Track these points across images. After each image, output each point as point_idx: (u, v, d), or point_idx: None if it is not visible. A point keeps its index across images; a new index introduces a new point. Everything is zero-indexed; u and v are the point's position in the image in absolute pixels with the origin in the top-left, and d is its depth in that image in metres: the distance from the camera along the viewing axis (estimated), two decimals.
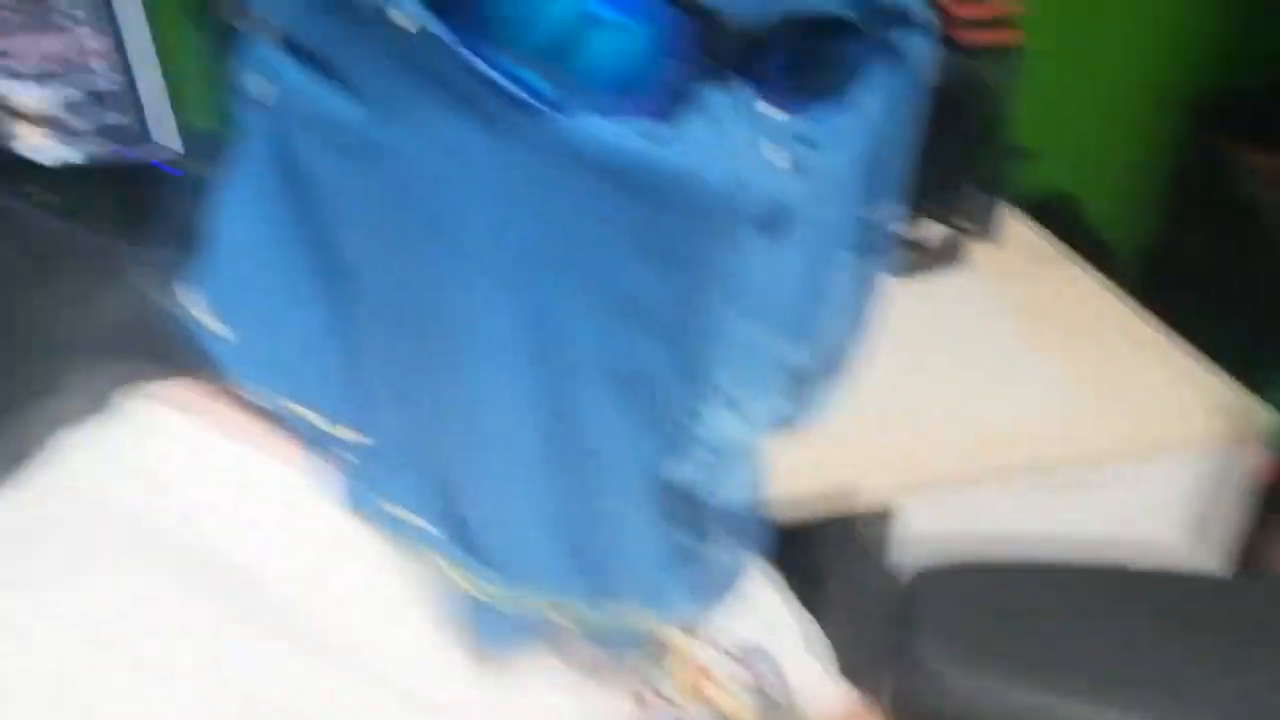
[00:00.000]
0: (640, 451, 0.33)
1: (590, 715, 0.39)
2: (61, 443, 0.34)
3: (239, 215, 0.34)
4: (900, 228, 1.26)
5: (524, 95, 0.28)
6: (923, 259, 1.26)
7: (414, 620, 0.35)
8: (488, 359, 0.31)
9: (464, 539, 0.34)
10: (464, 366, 0.31)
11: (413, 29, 0.28)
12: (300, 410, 0.34)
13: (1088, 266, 1.32)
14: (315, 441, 0.35)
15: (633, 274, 0.30)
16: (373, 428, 0.34)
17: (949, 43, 1.31)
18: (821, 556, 1.29)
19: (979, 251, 1.31)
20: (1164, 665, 0.27)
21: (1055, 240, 1.38)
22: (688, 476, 0.33)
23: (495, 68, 0.28)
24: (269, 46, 0.33)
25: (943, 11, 1.30)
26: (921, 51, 0.35)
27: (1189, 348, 1.14)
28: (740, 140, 0.30)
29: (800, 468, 0.96)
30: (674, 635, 0.39)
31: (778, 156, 0.30)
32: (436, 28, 0.28)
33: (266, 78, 0.33)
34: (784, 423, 0.38)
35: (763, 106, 0.30)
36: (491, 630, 0.35)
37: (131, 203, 1.07)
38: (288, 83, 0.32)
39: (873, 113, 0.35)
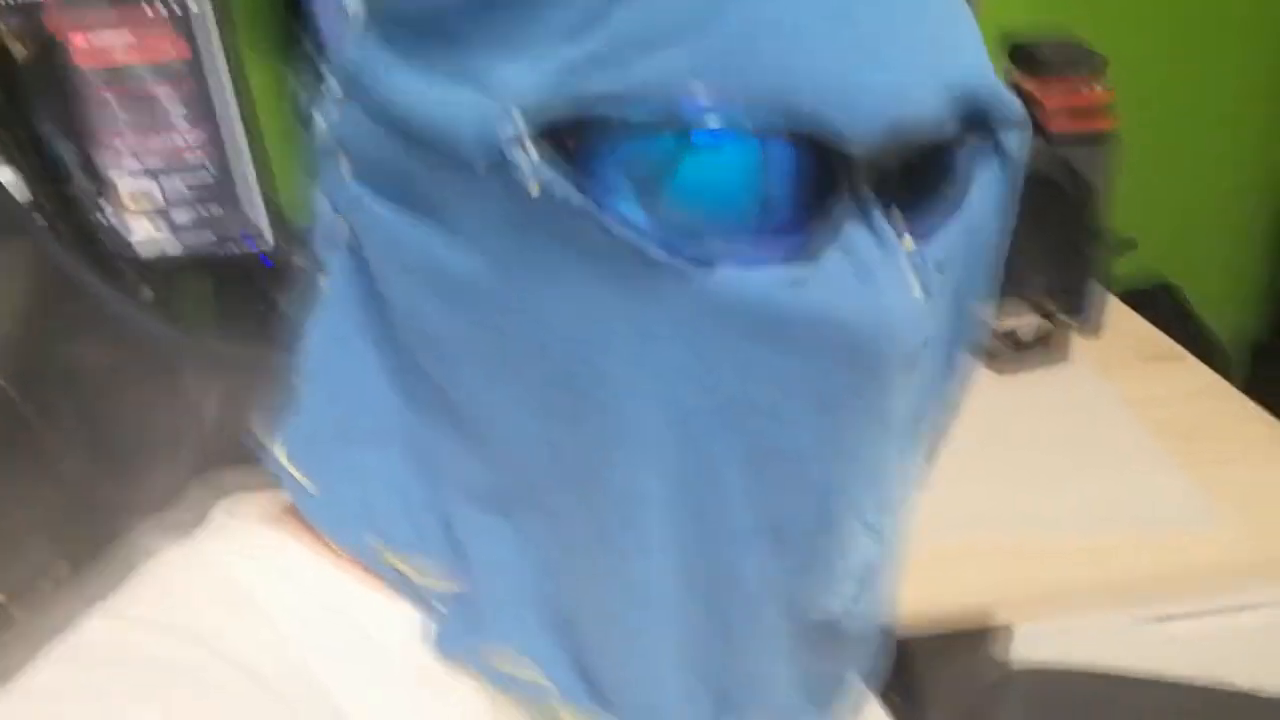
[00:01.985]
0: (790, 596, 0.32)
1: None
2: (158, 557, 0.34)
3: (324, 353, 0.33)
4: (1001, 322, 1.24)
5: (663, 255, 0.27)
6: (1024, 353, 1.21)
7: None
8: (637, 511, 0.30)
9: (593, 690, 0.32)
10: (609, 516, 0.30)
11: (535, 192, 0.27)
12: (388, 558, 0.33)
13: (1195, 359, 1.26)
14: (406, 590, 0.34)
15: (784, 425, 0.29)
16: (480, 573, 0.33)
17: (1042, 132, 1.29)
18: (931, 677, 1.24)
19: (1083, 346, 1.26)
20: None
21: (1159, 332, 1.32)
22: (832, 609, 0.33)
23: (626, 224, 0.27)
24: (343, 175, 0.32)
25: (1036, 101, 1.28)
26: (1021, 150, 0.34)
27: None
28: (887, 278, 0.28)
29: (919, 583, 0.92)
30: None
31: (916, 287, 0.29)
32: (566, 189, 0.27)
33: (341, 209, 0.32)
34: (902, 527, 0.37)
35: (896, 233, 0.29)
36: None
37: (229, 295, 1.09)
38: (370, 219, 0.31)
39: (982, 218, 0.34)
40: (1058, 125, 1.29)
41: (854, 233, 0.28)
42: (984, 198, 0.34)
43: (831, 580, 0.32)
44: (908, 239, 0.29)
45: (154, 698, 0.29)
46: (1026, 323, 1.21)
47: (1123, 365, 1.24)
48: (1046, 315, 1.23)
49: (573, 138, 0.27)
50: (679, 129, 0.27)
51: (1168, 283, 1.63)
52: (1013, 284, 1.34)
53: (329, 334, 0.33)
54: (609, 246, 0.27)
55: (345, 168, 0.32)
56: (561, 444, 0.30)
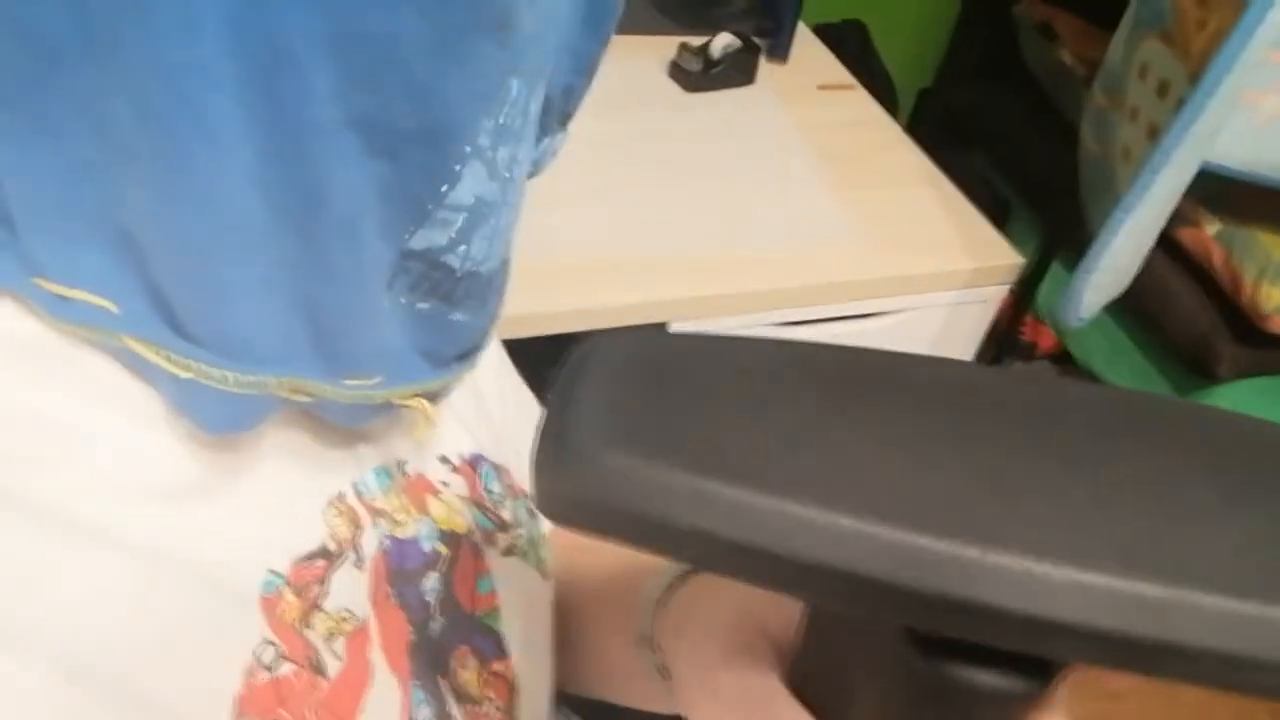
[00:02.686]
0: (387, 215, 0.29)
1: (308, 520, 0.36)
2: None
3: None
4: (699, 39, 1.26)
5: None
6: (714, 75, 1.24)
7: (115, 414, 0.30)
8: (203, 113, 0.25)
9: (167, 318, 0.29)
10: (168, 120, 0.25)
11: None
12: None
13: (865, 92, 1.35)
14: None
15: (386, 15, 0.25)
16: (18, 186, 0.27)
17: None
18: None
19: (768, 72, 1.31)
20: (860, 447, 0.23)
21: (839, 64, 1.40)
22: (436, 240, 0.31)
23: None
24: None
25: None
26: None
27: (952, 186, 1.20)
28: None
29: (571, 281, 0.97)
30: (412, 406, 0.35)
31: None
32: None
33: None
34: (530, 173, 0.35)
35: None
36: (210, 412, 0.30)
37: None
38: None
39: None
40: None
41: None
42: None
43: (436, 204, 0.30)
44: None
45: None
46: (720, 42, 1.24)
47: (802, 92, 1.31)
48: (741, 37, 1.25)
49: None
50: None
51: (858, 20, 1.70)
52: (713, 5, 1.35)
53: None
54: None
55: None
56: (119, 45, 0.25)
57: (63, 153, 0.27)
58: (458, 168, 0.29)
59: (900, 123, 1.31)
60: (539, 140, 0.35)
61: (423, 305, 0.32)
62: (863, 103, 1.33)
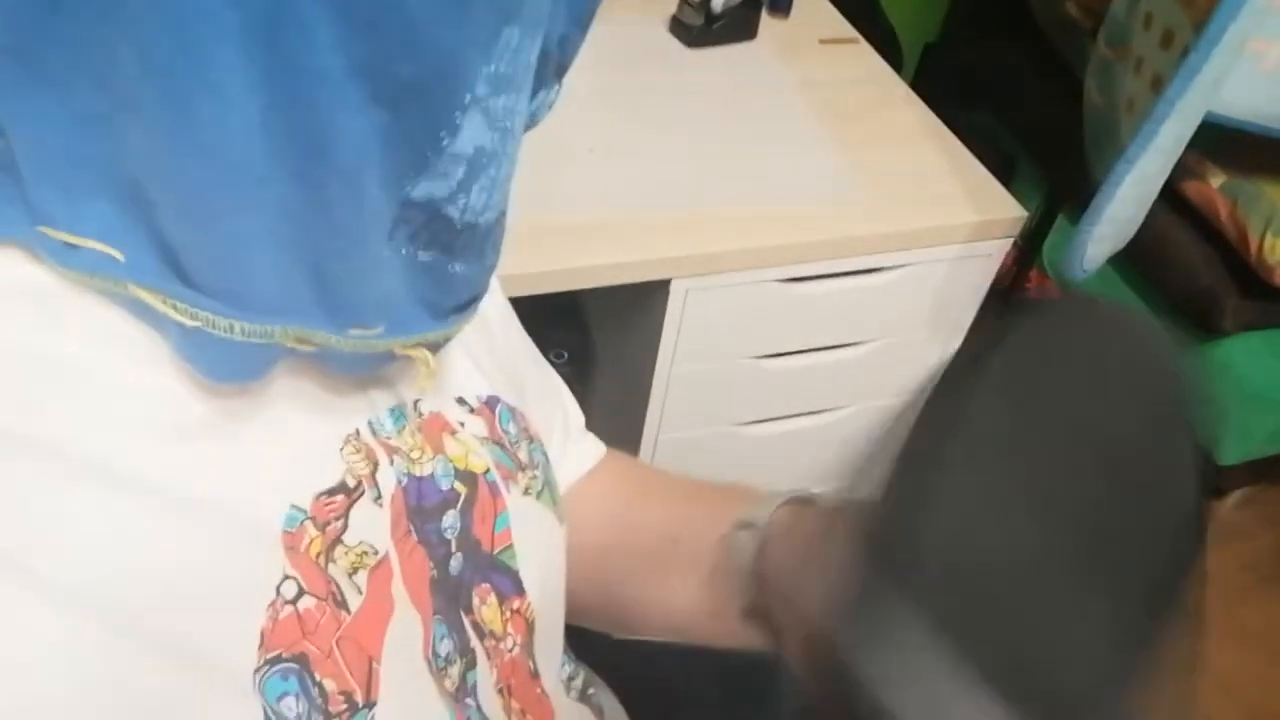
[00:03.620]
0: (390, 166, 0.29)
1: (323, 456, 0.36)
2: None
3: None
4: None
5: None
6: (715, 30, 1.24)
7: (123, 356, 0.31)
8: (207, 65, 0.25)
9: (173, 267, 0.29)
10: (173, 75, 0.25)
11: None
12: None
13: (869, 47, 1.34)
14: None
15: None
16: (23, 134, 0.28)
17: None
18: (594, 325, 1.32)
19: (771, 26, 1.30)
20: None
21: (842, 18, 1.38)
22: (437, 191, 0.31)
23: None
24: None
25: None
26: None
27: (957, 141, 1.19)
28: None
29: (573, 238, 0.97)
30: (414, 355, 0.36)
31: None
32: None
33: None
34: (526, 125, 0.35)
35: None
36: (217, 361, 0.31)
37: None
38: None
39: None
40: None
41: None
42: None
43: (436, 154, 0.30)
44: None
45: None
46: (723, 2, 1.23)
47: (804, 47, 1.30)
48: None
49: None
50: None
51: None
52: None
53: None
54: None
55: None
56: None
57: (67, 103, 0.27)
58: (457, 117, 0.29)
59: (905, 79, 1.30)
60: (535, 92, 0.35)
61: (423, 256, 0.33)
62: (866, 57, 1.32)
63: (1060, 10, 1.64)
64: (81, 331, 0.30)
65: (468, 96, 0.29)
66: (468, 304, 0.37)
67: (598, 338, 1.31)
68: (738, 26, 1.25)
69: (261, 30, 0.25)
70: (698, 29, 1.23)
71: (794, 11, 1.34)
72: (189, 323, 0.29)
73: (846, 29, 1.36)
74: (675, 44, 1.25)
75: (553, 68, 0.36)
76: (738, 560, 0.46)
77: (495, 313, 0.53)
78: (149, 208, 0.28)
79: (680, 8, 1.24)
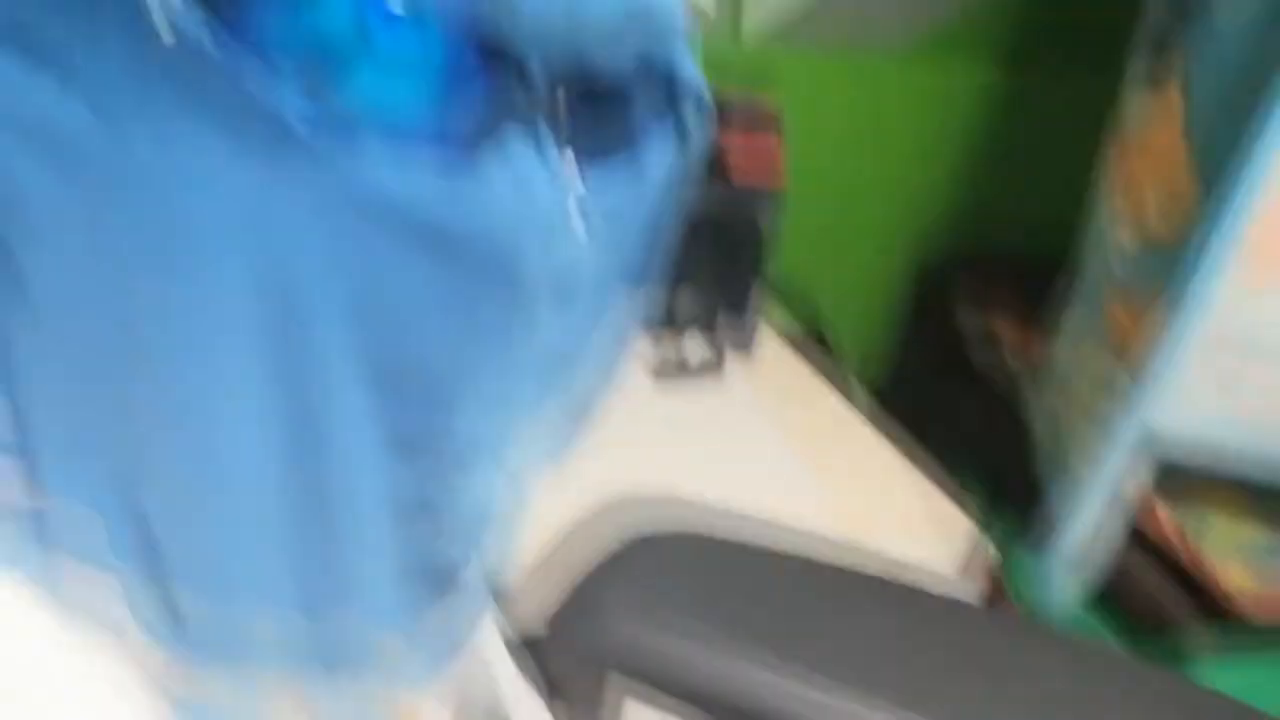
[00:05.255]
0: (398, 509, 0.30)
1: None
2: None
3: None
4: (671, 345, 1.35)
5: (306, 130, 0.24)
6: (685, 372, 1.33)
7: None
8: (225, 405, 0.27)
9: (174, 621, 0.30)
10: (193, 412, 0.27)
11: (167, 38, 0.23)
12: None
13: (835, 394, 1.43)
14: None
15: (413, 327, 0.27)
16: (43, 430, 0.29)
17: (723, 178, 1.43)
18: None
19: (738, 371, 1.40)
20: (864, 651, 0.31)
21: (807, 367, 1.49)
22: (441, 535, 0.32)
23: (269, 91, 0.24)
24: None
25: (722, 151, 1.42)
26: (698, 129, 0.34)
27: (916, 470, 1.26)
28: (544, 201, 0.28)
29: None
30: (406, 707, 0.36)
31: (578, 222, 0.29)
32: (204, 39, 0.23)
33: None
34: (534, 471, 0.36)
35: (563, 163, 0.28)
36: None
37: None
38: None
39: (652, 184, 0.33)
40: (737, 175, 1.43)
41: (521, 155, 0.27)
42: (658, 168, 0.33)
43: (452, 509, 0.31)
44: (575, 175, 0.29)
45: None
46: (695, 348, 1.33)
47: (771, 392, 1.39)
48: (711, 342, 1.35)
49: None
50: (354, 13, 0.25)
51: (817, 327, 1.83)
52: (687, 314, 1.46)
53: None
54: (245, 113, 0.24)
55: None
56: (145, 330, 0.26)
57: (117, 464, 0.28)
58: (472, 466, 0.31)
59: (866, 420, 1.38)
60: (552, 435, 0.37)
61: (428, 602, 0.33)
62: (828, 399, 1.41)
63: (998, 360, 1.77)
64: None
65: (483, 449, 0.31)
66: (460, 649, 0.37)
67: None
68: (710, 374, 1.35)
69: (281, 366, 0.27)
70: (673, 375, 1.32)
71: (762, 363, 1.45)
72: (180, 685, 0.30)
73: (809, 377, 1.47)
74: (650, 387, 1.33)
75: (574, 413, 0.38)
76: None
77: (489, 671, 0.53)
78: (167, 560, 0.29)
79: (657, 356, 1.34)
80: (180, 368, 0.27)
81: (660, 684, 0.32)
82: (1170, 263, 1.01)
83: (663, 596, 0.34)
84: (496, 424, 0.31)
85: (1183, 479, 1.35)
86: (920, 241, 1.96)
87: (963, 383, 1.91)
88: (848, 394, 1.55)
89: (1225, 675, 1.50)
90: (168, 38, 0.23)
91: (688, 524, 0.42)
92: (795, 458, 1.24)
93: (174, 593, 0.29)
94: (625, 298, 0.37)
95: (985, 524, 1.57)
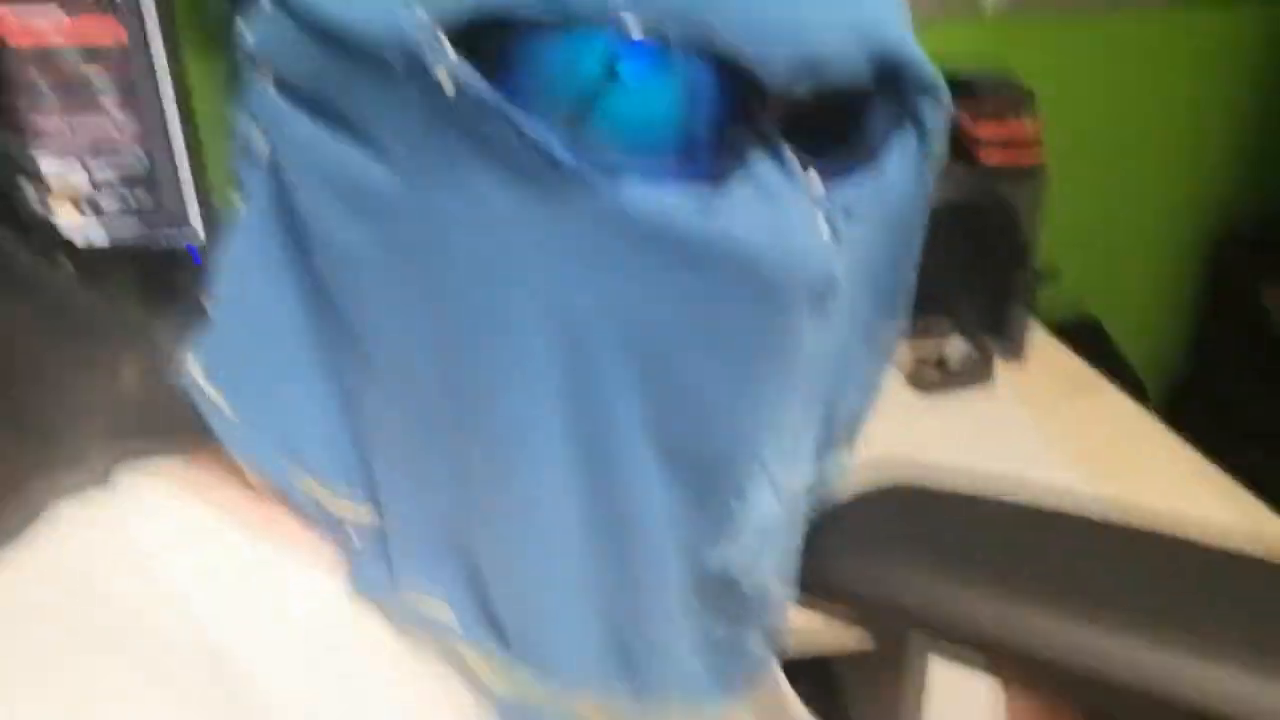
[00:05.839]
0: (686, 536, 0.31)
1: None
2: (57, 516, 0.33)
3: (240, 277, 0.33)
4: (930, 347, 1.27)
5: (572, 161, 0.27)
6: (951, 377, 1.24)
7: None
8: (530, 438, 0.29)
9: (495, 630, 0.32)
10: (501, 445, 0.29)
11: (451, 91, 0.27)
12: (305, 484, 0.32)
13: (1116, 391, 1.30)
14: (322, 521, 0.33)
15: (684, 351, 0.29)
16: (390, 507, 0.32)
17: (974, 163, 1.32)
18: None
19: (1007, 372, 1.29)
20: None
21: (1082, 362, 1.36)
22: (730, 561, 0.32)
23: (538, 129, 0.27)
24: (267, 90, 0.31)
25: (968, 134, 1.32)
26: (938, 123, 0.35)
27: (1228, 479, 1.11)
28: (794, 211, 0.29)
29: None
30: None
31: (823, 224, 0.30)
32: (481, 89, 0.27)
33: (264, 126, 0.32)
34: (811, 495, 0.37)
35: (808, 174, 0.30)
36: None
37: (155, 285, 1.07)
38: (291, 133, 0.31)
39: (897, 185, 0.34)
40: (989, 157, 1.33)
41: (762, 165, 0.29)
42: (900, 166, 0.34)
43: (730, 526, 0.31)
44: (815, 179, 0.30)
45: (62, 656, 0.28)
46: (955, 348, 1.24)
47: (1046, 395, 1.27)
48: (975, 342, 1.25)
49: (494, 43, 0.27)
50: (602, 51, 0.27)
51: (1090, 316, 1.67)
52: (944, 310, 1.37)
53: (245, 256, 0.32)
54: (520, 152, 0.27)
55: (267, 80, 0.31)
56: (456, 372, 0.29)
57: (440, 489, 0.31)
58: (747, 488, 0.31)
59: (1156, 417, 1.24)
60: (820, 458, 0.37)
61: (717, 626, 0.34)
62: (1111, 398, 1.28)
63: None
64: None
65: (756, 467, 0.31)
66: (754, 675, 0.37)
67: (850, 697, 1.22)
68: (973, 374, 1.25)
69: (580, 426, 0.29)
70: (933, 380, 1.23)
71: (1030, 357, 1.33)
72: (510, 691, 0.32)
73: (1088, 374, 1.34)
74: (911, 394, 1.25)
75: (842, 434, 0.38)
76: None
77: (776, 690, 0.52)
78: (482, 577, 0.32)
79: (912, 360, 1.26)
80: (498, 415, 0.29)
81: (960, 637, 0.34)
82: None
83: (938, 546, 0.36)
84: (772, 446, 0.31)
85: None
86: (1207, 213, 1.75)
87: (1270, 372, 1.69)
88: (1135, 392, 1.39)
89: None
90: (449, 89, 0.26)
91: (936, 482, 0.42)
92: (1076, 467, 1.12)
93: (503, 633, 0.32)
94: (882, 311, 0.37)
95: None
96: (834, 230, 0.30)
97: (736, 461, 0.31)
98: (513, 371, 0.29)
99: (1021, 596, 0.32)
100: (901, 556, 0.35)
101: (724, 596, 0.33)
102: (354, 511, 0.32)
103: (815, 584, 0.36)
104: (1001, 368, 1.29)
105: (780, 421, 0.31)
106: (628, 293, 0.28)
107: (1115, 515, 0.37)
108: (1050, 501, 0.38)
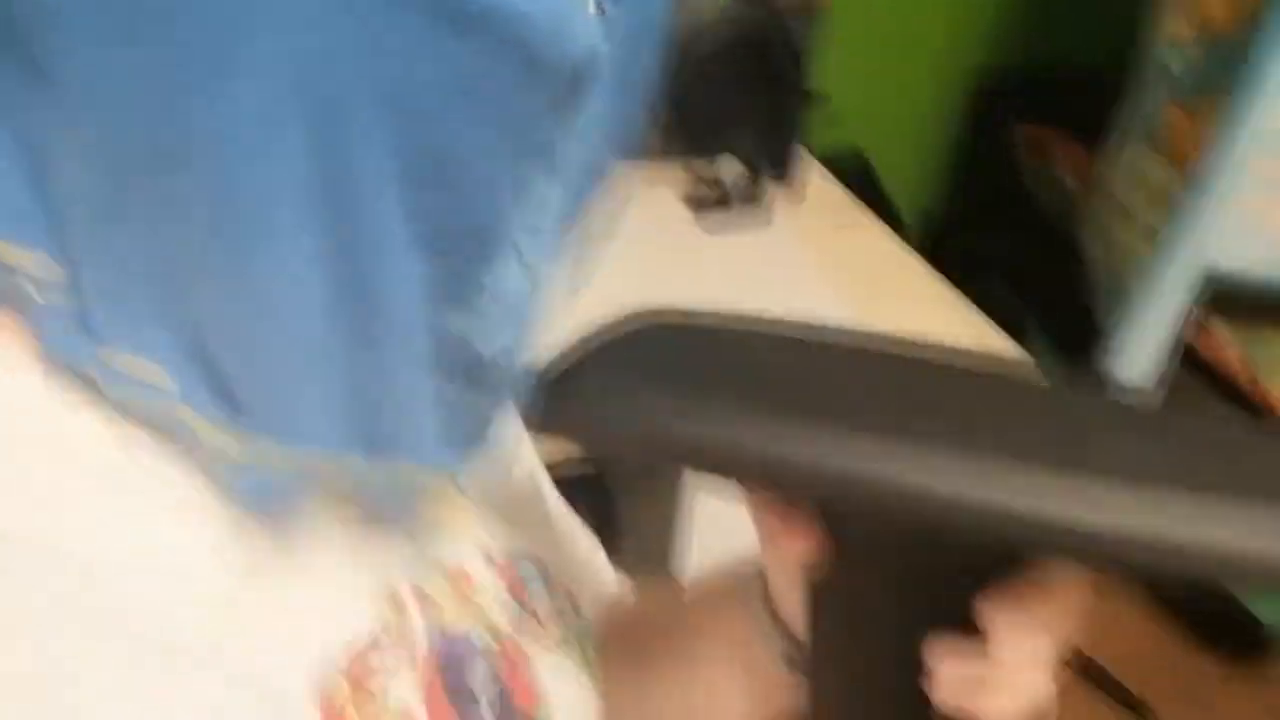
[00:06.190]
0: (432, 304, 0.31)
1: (358, 589, 0.37)
2: None
3: None
4: (710, 168, 1.32)
5: None
6: (725, 198, 1.30)
7: (154, 493, 0.32)
8: (264, 193, 0.27)
9: (222, 397, 0.30)
10: (230, 202, 0.27)
11: None
12: None
13: (883, 226, 1.40)
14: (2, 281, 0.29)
15: (443, 117, 0.28)
16: (87, 265, 0.29)
17: (761, 1, 1.36)
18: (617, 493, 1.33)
19: (778, 198, 1.37)
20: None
21: (852, 197, 1.45)
22: (473, 330, 0.32)
23: None
24: None
25: None
26: None
27: (974, 311, 1.23)
28: None
29: None
30: (446, 498, 0.38)
31: (592, 3, 0.29)
32: None
33: None
34: (558, 282, 0.37)
35: None
36: (255, 491, 0.32)
37: None
38: None
39: None
40: None
41: None
42: None
43: (476, 298, 0.31)
44: None
45: None
46: (731, 170, 1.30)
47: (813, 223, 1.36)
48: (751, 168, 1.31)
49: None
50: None
51: (859, 151, 1.77)
52: (725, 138, 1.42)
53: None
54: None
55: None
56: (173, 120, 0.26)
57: (150, 244, 0.29)
58: (498, 262, 0.31)
59: (911, 248, 1.35)
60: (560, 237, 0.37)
61: (454, 391, 0.34)
62: (871, 228, 1.38)
63: (1051, 179, 1.71)
64: (121, 497, 0.31)
65: (506, 241, 0.31)
66: (492, 439, 0.38)
67: (621, 507, 1.32)
68: (744, 197, 1.32)
69: (317, 158, 0.27)
70: (706, 199, 1.29)
71: (798, 185, 1.41)
72: (234, 450, 0.31)
73: (851, 200, 1.43)
74: (685, 212, 1.31)
75: (578, 216, 0.38)
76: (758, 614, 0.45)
77: (524, 471, 0.54)
78: (207, 343, 0.30)
79: (688, 178, 1.31)
80: (226, 170, 0.27)
81: (707, 463, 0.34)
82: (1230, 58, 0.95)
83: (678, 375, 0.36)
84: (523, 218, 0.31)
85: (1239, 299, 1.30)
86: (971, 59, 1.86)
87: (1016, 205, 1.85)
88: (894, 223, 1.51)
89: None
90: None
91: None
92: (836, 290, 1.22)
93: (230, 395, 0.30)
94: (629, 104, 0.36)
95: (1038, 354, 1.55)
96: (600, 7, 0.29)
97: (488, 234, 0.30)
98: (245, 121, 0.26)
99: (760, 414, 0.32)
100: (645, 388, 0.36)
101: (464, 364, 0.33)
102: (32, 262, 0.29)
103: (566, 421, 0.37)
104: (773, 195, 1.36)
105: (532, 197, 0.31)
106: (386, 47, 0.26)
107: (863, 339, 0.38)
108: (798, 329, 0.40)
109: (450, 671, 0.39)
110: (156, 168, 0.27)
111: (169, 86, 0.26)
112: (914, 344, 0.37)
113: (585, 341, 0.39)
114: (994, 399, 0.35)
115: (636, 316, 0.41)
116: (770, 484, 0.34)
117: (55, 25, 0.26)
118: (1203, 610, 1.72)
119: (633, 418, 0.35)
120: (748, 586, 0.44)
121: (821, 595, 0.38)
